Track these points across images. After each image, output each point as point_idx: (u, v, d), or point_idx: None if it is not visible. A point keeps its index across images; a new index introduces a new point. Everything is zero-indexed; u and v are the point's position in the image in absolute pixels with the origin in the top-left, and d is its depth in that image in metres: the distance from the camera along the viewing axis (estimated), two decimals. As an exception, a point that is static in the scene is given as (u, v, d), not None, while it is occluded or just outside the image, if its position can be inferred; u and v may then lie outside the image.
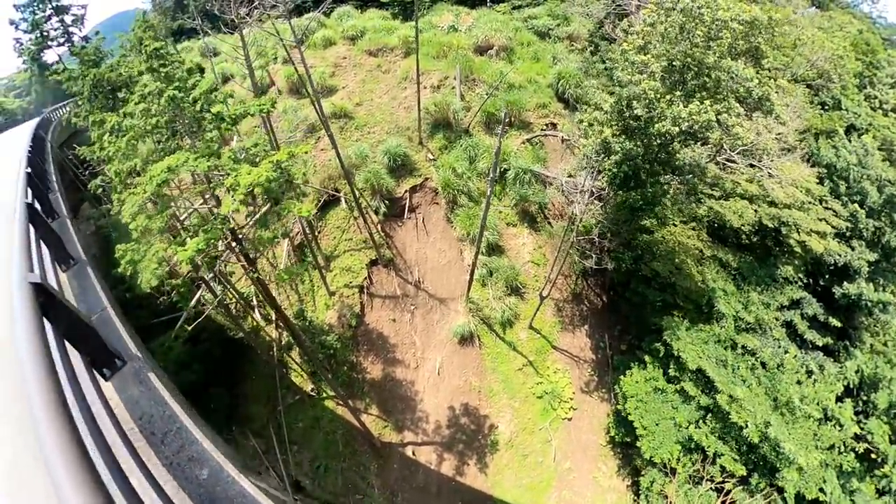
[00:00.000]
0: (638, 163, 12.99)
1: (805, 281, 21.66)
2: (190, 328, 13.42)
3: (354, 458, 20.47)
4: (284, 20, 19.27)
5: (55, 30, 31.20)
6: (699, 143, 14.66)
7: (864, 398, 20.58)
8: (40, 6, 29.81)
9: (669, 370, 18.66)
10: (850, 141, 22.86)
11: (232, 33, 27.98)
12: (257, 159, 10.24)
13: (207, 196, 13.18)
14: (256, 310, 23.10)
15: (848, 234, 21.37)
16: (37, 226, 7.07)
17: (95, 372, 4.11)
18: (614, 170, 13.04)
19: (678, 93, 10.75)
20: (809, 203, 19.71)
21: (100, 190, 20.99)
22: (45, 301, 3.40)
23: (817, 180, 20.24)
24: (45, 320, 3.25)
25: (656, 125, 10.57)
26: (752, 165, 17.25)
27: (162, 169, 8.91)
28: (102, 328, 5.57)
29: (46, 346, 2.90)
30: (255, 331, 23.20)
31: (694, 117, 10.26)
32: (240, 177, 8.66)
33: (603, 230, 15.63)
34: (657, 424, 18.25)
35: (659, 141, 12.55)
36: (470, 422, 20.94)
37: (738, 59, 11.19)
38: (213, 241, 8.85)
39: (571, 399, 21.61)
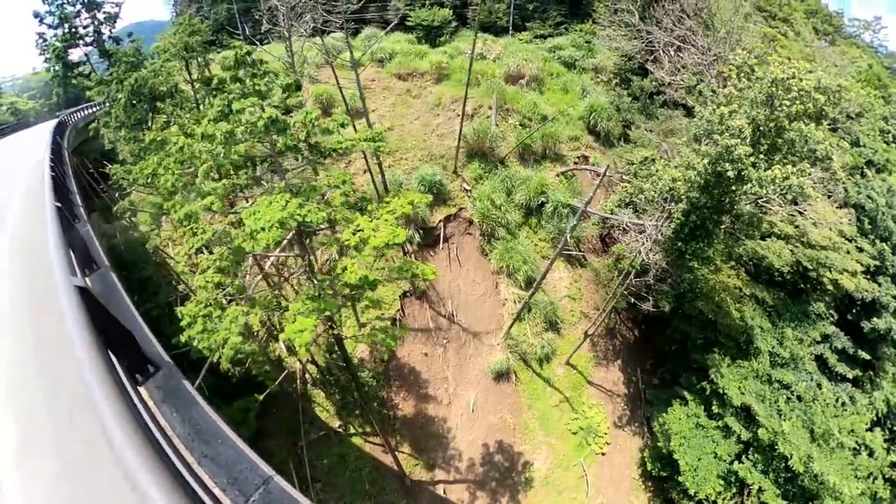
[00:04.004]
0: (705, 213, 13.03)
1: (834, 317, 22.06)
2: (261, 397, 12.12)
3: (382, 497, 19.74)
4: (327, 36, 18.72)
5: (84, 27, 28.36)
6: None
7: (891, 426, 21.08)
8: (71, -1, 26.96)
9: (713, 407, 18.69)
10: (872, 177, 23.58)
11: (258, 46, 27.29)
12: (363, 205, 8.90)
13: (285, 242, 11.34)
14: (280, 339, 22.30)
15: (873, 270, 21.94)
16: (92, 312, 4.13)
17: None
18: (682, 219, 13.04)
19: (761, 155, 10.97)
20: (842, 243, 20.13)
21: (128, 214, 19.77)
22: None
23: (849, 221, 20.73)
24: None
25: (745, 186, 10.73)
26: (794, 204, 17.57)
27: (271, 222, 7.13)
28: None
29: None
30: (277, 361, 22.35)
31: (778, 181, 10.41)
32: (366, 234, 7.43)
33: (659, 272, 15.62)
34: (699, 459, 18.26)
35: (726, 192, 12.62)
36: (504, 459, 20.48)
37: (808, 121, 11.44)
38: (326, 313, 7.92)
39: (606, 434, 21.41)
